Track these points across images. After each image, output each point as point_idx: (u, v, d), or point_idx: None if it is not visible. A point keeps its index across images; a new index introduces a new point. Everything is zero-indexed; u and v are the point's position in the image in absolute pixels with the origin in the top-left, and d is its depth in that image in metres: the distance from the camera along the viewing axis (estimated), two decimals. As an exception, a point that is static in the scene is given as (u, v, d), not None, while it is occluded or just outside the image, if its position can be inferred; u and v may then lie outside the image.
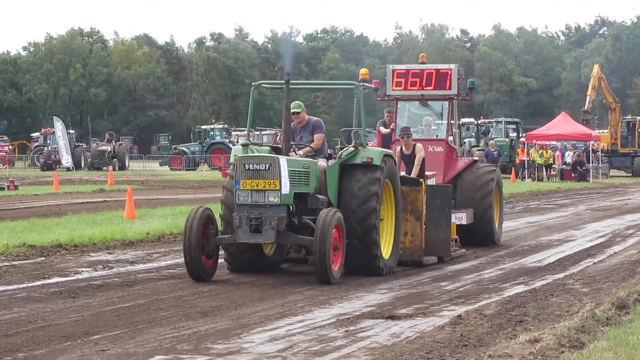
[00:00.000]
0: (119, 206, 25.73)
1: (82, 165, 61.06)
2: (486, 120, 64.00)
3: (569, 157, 52.75)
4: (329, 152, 15.61)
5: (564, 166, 51.80)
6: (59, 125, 60.86)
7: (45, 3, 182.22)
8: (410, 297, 13.66)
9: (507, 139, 54.52)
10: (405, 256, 16.17)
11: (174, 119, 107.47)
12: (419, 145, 17.77)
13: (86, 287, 13.44)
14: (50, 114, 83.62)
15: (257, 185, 13.34)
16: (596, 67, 57.79)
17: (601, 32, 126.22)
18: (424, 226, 16.40)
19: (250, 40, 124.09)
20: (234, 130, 73.83)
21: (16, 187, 35.09)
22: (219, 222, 14.45)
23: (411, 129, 19.67)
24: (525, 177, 49.07)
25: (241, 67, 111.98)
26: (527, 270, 17.00)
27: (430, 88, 20.06)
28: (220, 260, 15.29)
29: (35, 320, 10.90)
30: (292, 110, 15.03)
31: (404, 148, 17.93)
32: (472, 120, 63.91)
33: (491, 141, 49.60)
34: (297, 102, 15.31)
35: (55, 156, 60.36)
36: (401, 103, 20.59)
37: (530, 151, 50.56)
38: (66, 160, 59.29)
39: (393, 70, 20.41)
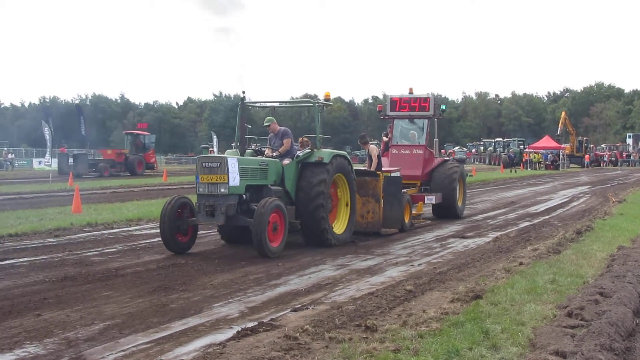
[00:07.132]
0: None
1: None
2: (509, 139, 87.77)
3: (550, 158, 69.53)
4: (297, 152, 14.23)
5: (546, 162, 68.62)
6: None
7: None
8: (472, 227, 16.82)
9: (518, 149, 73.61)
10: (368, 228, 15.46)
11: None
12: (371, 147, 17.11)
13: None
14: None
15: (210, 180, 12.28)
16: (563, 114, 75.53)
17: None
18: (382, 206, 15.68)
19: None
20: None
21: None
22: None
23: (402, 139, 20.16)
24: (527, 168, 65.24)
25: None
26: (530, 214, 20.14)
27: (415, 110, 19.88)
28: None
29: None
30: (264, 124, 14.18)
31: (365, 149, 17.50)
32: (500, 139, 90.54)
33: (511, 149, 72.29)
34: (268, 117, 14.33)
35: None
36: (396, 121, 20.30)
37: (530, 155, 68.58)
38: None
39: (391, 98, 20.10)
